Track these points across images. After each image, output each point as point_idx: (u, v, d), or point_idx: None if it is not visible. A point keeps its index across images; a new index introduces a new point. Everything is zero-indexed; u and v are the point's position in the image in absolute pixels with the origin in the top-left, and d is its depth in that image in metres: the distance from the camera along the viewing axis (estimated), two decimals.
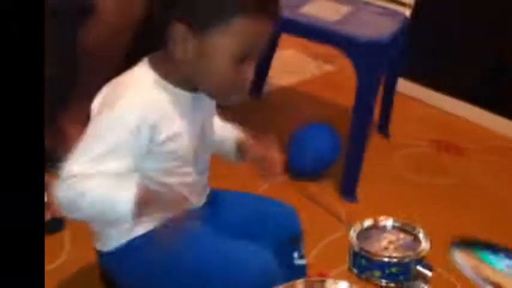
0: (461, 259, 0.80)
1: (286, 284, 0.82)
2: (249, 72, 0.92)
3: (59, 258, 1.36)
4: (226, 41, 0.87)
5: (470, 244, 0.88)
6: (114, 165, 0.86)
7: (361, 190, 1.86)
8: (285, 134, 1.85)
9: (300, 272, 1.13)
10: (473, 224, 1.83)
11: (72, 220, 0.92)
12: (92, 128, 0.89)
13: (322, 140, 1.89)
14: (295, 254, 1.14)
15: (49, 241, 1.39)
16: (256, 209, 1.14)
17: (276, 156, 1.08)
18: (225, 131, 1.11)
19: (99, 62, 1.49)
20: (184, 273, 0.97)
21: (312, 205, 1.76)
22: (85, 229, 1.42)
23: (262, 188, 1.80)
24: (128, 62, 1.58)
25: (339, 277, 0.93)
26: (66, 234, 1.46)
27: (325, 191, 1.88)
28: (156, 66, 0.94)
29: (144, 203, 0.85)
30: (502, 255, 0.87)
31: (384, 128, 2.37)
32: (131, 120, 0.88)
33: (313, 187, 1.89)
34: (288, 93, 2.61)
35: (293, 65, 2.89)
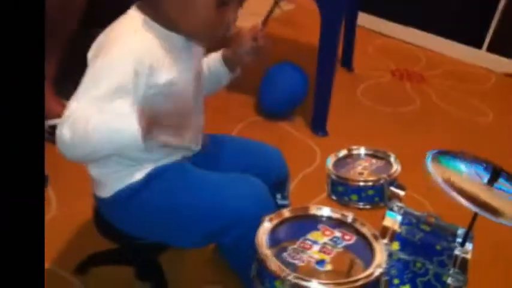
0: (434, 170, 0.87)
1: (273, 213, 0.86)
2: (232, 16, 0.93)
3: (46, 215, 1.39)
4: None
5: (442, 155, 0.94)
6: (115, 105, 0.86)
7: (331, 124, 1.93)
8: (254, 75, 1.89)
9: None
10: (437, 146, 1.94)
11: (71, 162, 0.88)
12: (89, 73, 0.88)
13: (290, 79, 1.93)
14: (279, 195, 1.20)
15: None
16: (248, 152, 1.17)
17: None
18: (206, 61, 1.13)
19: (54, 26, 1.50)
20: (183, 212, 0.99)
21: (286, 142, 1.84)
22: (70, 187, 1.47)
23: (237, 129, 1.87)
24: (84, 26, 1.61)
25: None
26: (51, 193, 1.48)
27: (297, 127, 1.95)
28: (145, 11, 0.94)
29: (149, 120, 0.85)
30: (470, 163, 0.94)
31: (347, 62, 2.43)
32: (128, 63, 0.87)
33: (285, 125, 1.96)
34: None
35: (254, 6, 2.87)
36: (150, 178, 1.00)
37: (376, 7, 2.82)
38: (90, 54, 0.92)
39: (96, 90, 0.85)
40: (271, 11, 1.12)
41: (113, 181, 1.00)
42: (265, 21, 1.11)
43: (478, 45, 2.69)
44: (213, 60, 1.13)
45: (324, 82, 1.85)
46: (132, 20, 0.94)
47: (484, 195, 0.86)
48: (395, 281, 0.87)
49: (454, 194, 0.82)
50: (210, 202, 0.99)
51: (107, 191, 1.02)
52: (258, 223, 0.87)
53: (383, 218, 1.02)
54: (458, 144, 1.97)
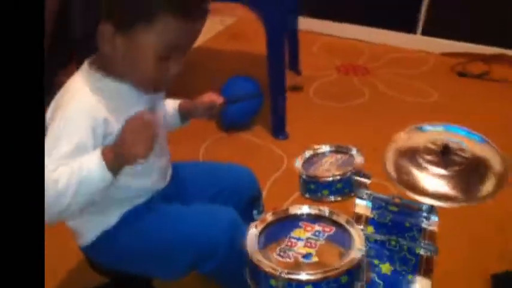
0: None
1: (259, 219, 0.93)
2: (174, 68, 0.95)
3: None
4: (150, 39, 0.90)
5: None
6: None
7: (290, 126, 2.03)
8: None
9: None
10: (391, 130, 2.05)
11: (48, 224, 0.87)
12: (49, 135, 0.91)
13: (244, 91, 2.01)
14: (255, 211, 1.26)
15: None
16: (218, 176, 1.22)
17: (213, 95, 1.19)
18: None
19: None
20: (158, 249, 1.04)
21: (252, 151, 1.92)
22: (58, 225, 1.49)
23: (203, 148, 1.94)
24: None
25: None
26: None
27: (259, 135, 2.04)
28: (95, 65, 0.98)
29: (111, 153, 0.89)
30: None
31: (294, 65, 2.53)
32: (84, 120, 0.92)
33: (247, 136, 2.04)
34: (202, 52, 2.68)
35: None
36: (122, 222, 1.05)
37: (313, 9, 2.94)
38: (48, 116, 0.95)
39: (57, 151, 0.89)
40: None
41: (88, 229, 1.05)
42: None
43: (413, 30, 2.85)
44: (169, 106, 1.18)
45: (277, 87, 1.94)
46: (84, 78, 0.97)
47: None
48: (376, 261, 0.95)
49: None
50: (182, 237, 1.04)
51: (85, 239, 1.06)
52: (232, 249, 0.96)
53: (354, 206, 1.12)
54: (404, 125, 2.07)
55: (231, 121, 2.03)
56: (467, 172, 0.97)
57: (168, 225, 1.06)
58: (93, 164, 0.89)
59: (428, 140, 1.06)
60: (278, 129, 2.00)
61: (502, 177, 0.96)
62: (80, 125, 0.92)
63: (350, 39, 2.96)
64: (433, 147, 1.01)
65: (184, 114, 1.20)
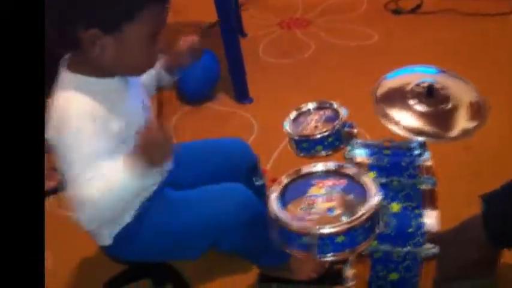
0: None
1: (275, 184, 0.97)
2: (161, 44, 1.01)
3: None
4: (140, 29, 0.95)
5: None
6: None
7: (252, 91, 2.07)
8: None
9: (261, 189, 1.31)
10: (348, 78, 2.14)
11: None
12: (62, 153, 0.95)
13: (202, 61, 2.02)
14: (254, 178, 1.31)
15: None
16: (214, 152, 1.26)
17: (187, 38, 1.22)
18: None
19: None
20: (178, 235, 1.09)
21: (221, 119, 1.95)
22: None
23: (172, 124, 1.94)
24: None
25: None
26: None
27: (224, 103, 2.08)
28: (78, 69, 0.99)
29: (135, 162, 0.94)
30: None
31: (239, 29, 2.55)
32: (89, 126, 0.94)
33: (213, 105, 2.07)
34: None
35: None
36: (140, 216, 1.08)
37: None
38: (49, 135, 0.96)
39: (78, 165, 0.93)
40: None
41: (107, 229, 1.07)
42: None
43: None
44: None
45: (233, 52, 1.97)
46: (70, 83, 0.98)
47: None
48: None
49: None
50: (201, 219, 1.09)
51: (105, 239, 1.09)
52: (249, 224, 1.02)
53: (343, 157, 1.19)
54: (356, 70, 2.19)
55: (193, 93, 2.04)
56: (449, 109, 1.06)
57: (184, 211, 1.10)
58: (123, 177, 0.93)
59: (406, 83, 1.13)
60: (241, 94, 2.04)
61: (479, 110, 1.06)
62: (88, 132, 0.94)
63: None
64: (417, 89, 1.09)
65: (170, 69, 1.22)
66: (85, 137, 0.94)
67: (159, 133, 0.95)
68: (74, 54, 1.00)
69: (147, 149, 0.93)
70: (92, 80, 0.99)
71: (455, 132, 1.04)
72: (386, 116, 1.04)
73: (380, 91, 1.11)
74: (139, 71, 1.04)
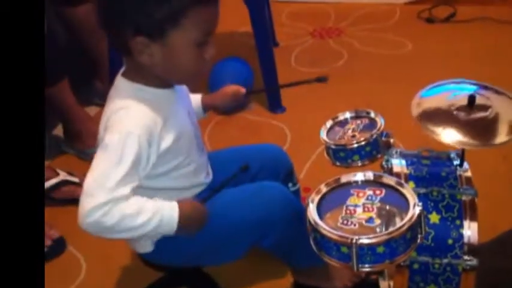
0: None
1: (313, 193, 0.97)
2: (210, 51, 1.01)
3: (78, 278, 1.44)
4: (186, 35, 0.95)
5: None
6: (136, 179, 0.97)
7: (284, 99, 2.07)
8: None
9: (296, 195, 1.33)
10: (382, 87, 2.13)
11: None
12: (104, 155, 0.96)
13: (234, 70, 2.04)
14: (290, 184, 1.32)
15: (65, 262, 1.48)
16: (251, 159, 1.23)
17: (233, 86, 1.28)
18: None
19: None
20: (223, 237, 1.10)
21: (256, 129, 1.97)
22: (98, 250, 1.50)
23: (207, 133, 1.95)
24: None
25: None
26: (80, 256, 1.51)
27: (258, 113, 2.08)
28: (134, 78, 1.01)
29: (186, 212, 1.00)
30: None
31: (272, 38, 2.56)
32: (139, 135, 0.96)
33: (246, 115, 2.08)
34: None
35: None
36: None
37: None
38: (99, 137, 1.00)
39: (118, 172, 0.94)
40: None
41: (147, 238, 1.08)
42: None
43: None
44: (193, 100, 1.22)
45: (268, 61, 1.98)
46: (128, 92, 1.00)
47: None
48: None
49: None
50: (243, 219, 1.10)
51: (147, 247, 1.10)
52: (289, 223, 1.03)
53: (380, 166, 1.19)
54: (390, 79, 2.17)
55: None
56: (490, 119, 1.04)
57: (225, 212, 1.11)
58: (169, 218, 0.99)
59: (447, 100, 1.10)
60: (275, 104, 2.04)
61: None
62: (136, 142, 0.95)
63: (314, 3, 2.99)
64: (456, 100, 1.07)
65: (207, 108, 1.25)
66: (130, 145, 0.95)
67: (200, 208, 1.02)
68: (129, 60, 1.02)
69: (185, 222, 1.00)
70: (146, 89, 1.01)
71: (495, 141, 1.02)
72: (428, 128, 1.02)
73: (419, 103, 1.09)
74: (189, 77, 1.03)
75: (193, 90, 1.22)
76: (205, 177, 1.16)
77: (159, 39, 0.95)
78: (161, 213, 0.97)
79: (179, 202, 1.01)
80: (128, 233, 0.96)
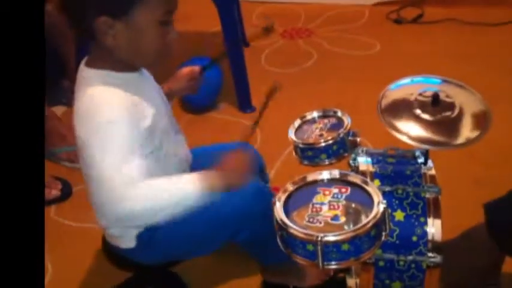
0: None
1: (280, 192, 0.98)
2: (173, 32, 1.02)
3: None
4: (150, 12, 0.96)
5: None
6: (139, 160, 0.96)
7: (254, 99, 2.08)
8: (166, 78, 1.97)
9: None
10: (351, 87, 2.15)
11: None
12: (96, 144, 0.94)
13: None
14: (262, 183, 1.31)
15: None
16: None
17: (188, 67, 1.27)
18: None
19: None
20: (200, 231, 1.11)
21: (225, 129, 1.97)
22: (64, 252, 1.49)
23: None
24: None
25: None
26: (47, 259, 1.48)
27: (227, 112, 2.08)
28: (99, 65, 1.00)
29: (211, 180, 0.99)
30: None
31: (242, 38, 2.56)
32: (123, 118, 0.96)
33: (215, 115, 2.08)
34: None
35: None
36: None
37: None
38: (77, 133, 0.98)
39: (116, 154, 0.93)
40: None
41: (130, 230, 1.09)
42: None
43: None
44: None
45: (237, 62, 1.98)
46: (96, 79, 0.99)
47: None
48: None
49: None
50: (220, 215, 1.11)
51: (128, 241, 1.10)
52: (264, 216, 1.01)
53: (348, 165, 1.20)
54: (358, 79, 2.20)
55: (196, 102, 2.05)
56: (454, 117, 1.06)
57: (203, 208, 1.10)
58: (192, 190, 0.98)
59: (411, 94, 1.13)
60: (244, 103, 2.04)
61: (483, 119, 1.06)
62: (123, 124, 0.96)
63: (285, 4, 3.00)
64: (421, 98, 1.09)
65: (167, 96, 1.23)
66: (119, 127, 0.95)
67: (247, 157, 1.02)
68: (94, 48, 1.02)
69: (231, 171, 1.00)
70: (113, 74, 1.01)
71: (459, 140, 1.04)
72: (392, 126, 1.04)
73: (384, 102, 1.11)
74: (153, 58, 1.03)
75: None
76: (186, 155, 1.18)
77: (123, 17, 0.95)
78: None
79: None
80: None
